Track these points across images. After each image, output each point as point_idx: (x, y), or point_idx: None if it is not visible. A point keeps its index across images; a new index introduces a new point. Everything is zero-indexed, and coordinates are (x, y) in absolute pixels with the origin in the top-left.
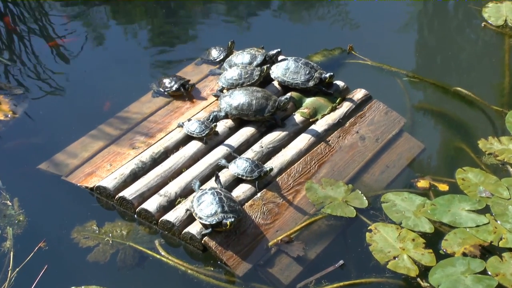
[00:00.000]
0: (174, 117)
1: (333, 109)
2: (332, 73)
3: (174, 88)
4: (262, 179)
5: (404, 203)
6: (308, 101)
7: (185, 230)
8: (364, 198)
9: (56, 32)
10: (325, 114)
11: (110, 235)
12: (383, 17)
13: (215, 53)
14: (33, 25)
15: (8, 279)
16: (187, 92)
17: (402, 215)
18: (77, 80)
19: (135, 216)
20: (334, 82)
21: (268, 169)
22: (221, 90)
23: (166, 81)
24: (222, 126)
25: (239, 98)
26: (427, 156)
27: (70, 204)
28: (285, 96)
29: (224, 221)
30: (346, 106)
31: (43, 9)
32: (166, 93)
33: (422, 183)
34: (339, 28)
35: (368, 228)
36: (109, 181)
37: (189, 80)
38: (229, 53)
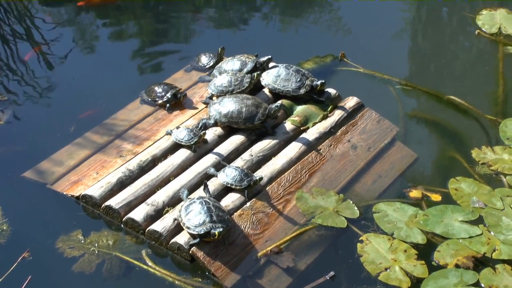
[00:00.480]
0: (162, 125)
1: (325, 117)
2: (323, 81)
3: (165, 99)
4: (251, 188)
5: (396, 214)
6: (299, 109)
7: (173, 240)
8: (356, 208)
9: (45, 38)
10: (316, 122)
11: (96, 244)
12: (376, 23)
13: (205, 60)
14: (18, 27)
15: None
16: (178, 102)
17: (394, 225)
18: (63, 86)
19: (122, 225)
20: (326, 90)
21: (257, 178)
22: (211, 97)
23: (157, 90)
24: (211, 134)
25: (229, 105)
26: (419, 166)
27: (55, 213)
28: (276, 104)
29: (213, 231)
30: (337, 114)
31: (28, 11)
32: (156, 102)
33: (415, 193)
34: (331, 34)
35: (360, 238)
36: (95, 190)
37: (180, 89)
38: (219, 59)
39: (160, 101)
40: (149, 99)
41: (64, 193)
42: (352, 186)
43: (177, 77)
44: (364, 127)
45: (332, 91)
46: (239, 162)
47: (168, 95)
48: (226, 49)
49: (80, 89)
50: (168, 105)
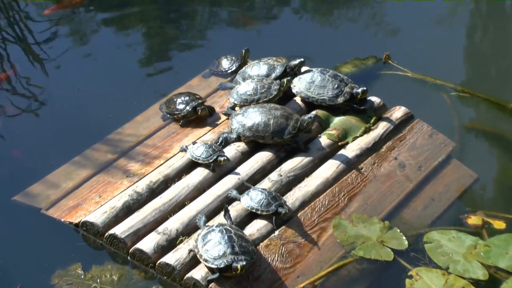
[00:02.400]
0: (176, 140)
1: (367, 131)
2: (365, 88)
3: (183, 112)
4: (280, 215)
5: (451, 244)
6: (337, 120)
7: (188, 275)
8: (404, 237)
9: (36, 39)
10: (357, 137)
11: (98, 280)
12: (425, 19)
13: (226, 63)
14: (9, 30)
15: None
16: (198, 116)
17: (449, 258)
18: (60, 95)
19: (128, 257)
20: (368, 98)
21: (284, 211)
22: (233, 108)
23: (176, 101)
24: (233, 150)
25: (254, 117)
26: (479, 188)
27: (50, 243)
28: (309, 115)
29: (235, 264)
30: (382, 127)
31: (20, 10)
32: (172, 116)
33: (474, 220)
34: (373, 33)
35: (408, 273)
36: (97, 216)
37: (204, 101)
38: (242, 63)
39: (177, 115)
40: (167, 113)
41: (62, 219)
42: (400, 212)
43: (193, 84)
44: (413, 142)
45: (375, 99)
46: (266, 183)
47: (188, 108)
48: (251, 51)
49: (79, 98)
50: (182, 120)
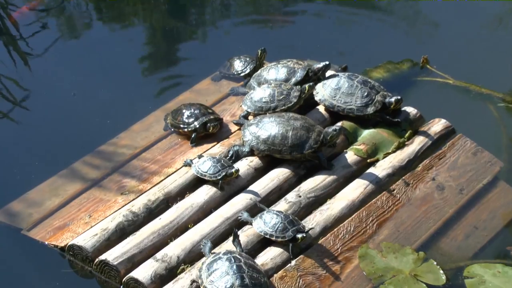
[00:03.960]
0: (179, 152)
1: (400, 146)
2: (399, 97)
3: (191, 127)
4: (298, 242)
5: (496, 280)
6: (366, 134)
7: None
8: (441, 271)
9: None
10: (389, 153)
11: None
12: (469, 19)
13: (239, 65)
14: None
15: None
16: (207, 133)
17: None
18: (45, 98)
19: (121, 287)
20: (402, 109)
21: (301, 236)
22: (246, 116)
23: (184, 113)
24: (245, 166)
25: (270, 128)
26: None
27: (32, 269)
28: (334, 127)
29: None
30: (418, 143)
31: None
32: (178, 130)
33: None
34: (409, 33)
35: None
36: (86, 239)
37: (217, 117)
38: (258, 65)
39: (183, 129)
40: (171, 125)
41: (45, 242)
42: (437, 242)
43: (201, 88)
44: (454, 161)
45: (411, 110)
46: (282, 205)
47: (196, 123)
48: (268, 51)
49: (67, 102)
50: (193, 136)
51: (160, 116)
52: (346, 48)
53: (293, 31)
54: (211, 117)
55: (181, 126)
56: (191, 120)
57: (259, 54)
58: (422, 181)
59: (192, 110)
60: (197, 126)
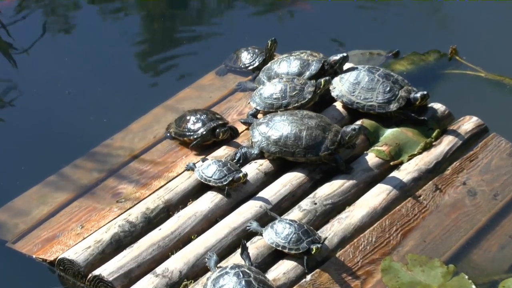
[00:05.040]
0: (181, 155)
1: (427, 147)
2: (425, 92)
3: (197, 134)
4: (313, 254)
5: None
6: (389, 133)
7: None
8: (473, 286)
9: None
10: (415, 155)
11: None
12: (503, 4)
13: (246, 58)
14: None
15: None
16: (216, 139)
17: None
18: (31, 94)
19: None
20: (429, 105)
21: (315, 247)
22: (255, 115)
23: (190, 119)
24: (254, 169)
25: (281, 127)
26: None
27: (18, 286)
28: (353, 126)
29: None
30: (447, 143)
31: None
32: (183, 138)
33: None
34: (436, 21)
35: None
36: (78, 252)
37: (226, 123)
38: (268, 57)
39: (188, 137)
40: (175, 134)
41: (33, 256)
42: (468, 253)
43: (205, 83)
44: (488, 163)
45: (438, 106)
46: (296, 213)
47: (202, 130)
48: (279, 42)
49: (56, 99)
50: (199, 139)
51: (160, 115)
52: (366, 37)
53: (307, 20)
54: (220, 122)
55: (187, 133)
56: (197, 126)
57: (269, 45)
58: (452, 186)
59: (198, 116)
60: (204, 132)
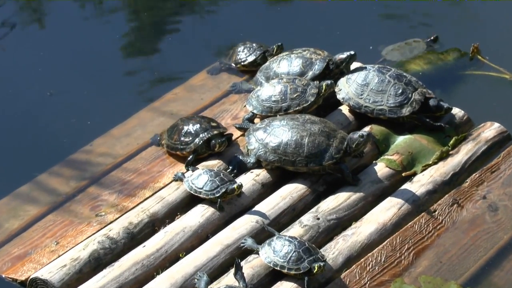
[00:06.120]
0: (168, 164)
1: (443, 157)
2: (449, 106)
3: (190, 147)
4: (315, 273)
5: None
6: (400, 141)
7: None
8: None
9: None
10: (429, 165)
11: None
12: None
13: (243, 54)
14: None
15: None
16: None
17: None
18: (1, 96)
19: None
20: None
21: (317, 265)
22: (251, 119)
23: (184, 129)
24: (250, 180)
25: (281, 133)
26: None
27: None
28: (361, 133)
29: None
30: (465, 152)
31: None
32: (175, 152)
33: None
34: (456, 17)
35: None
36: (53, 271)
37: (224, 131)
38: (269, 55)
39: (181, 151)
40: (167, 147)
41: (2, 275)
42: (488, 275)
43: (196, 83)
44: (511, 175)
45: (456, 111)
46: (297, 229)
47: (197, 141)
48: (278, 39)
49: (33, 101)
50: (191, 156)
51: (145, 119)
52: (376, 34)
53: (312, 14)
54: (215, 132)
55: (179, 147)
56: (189, 138)
57: (274, 51)
58: (470, 200)
59: (191, 125)
60: (199, 143)
